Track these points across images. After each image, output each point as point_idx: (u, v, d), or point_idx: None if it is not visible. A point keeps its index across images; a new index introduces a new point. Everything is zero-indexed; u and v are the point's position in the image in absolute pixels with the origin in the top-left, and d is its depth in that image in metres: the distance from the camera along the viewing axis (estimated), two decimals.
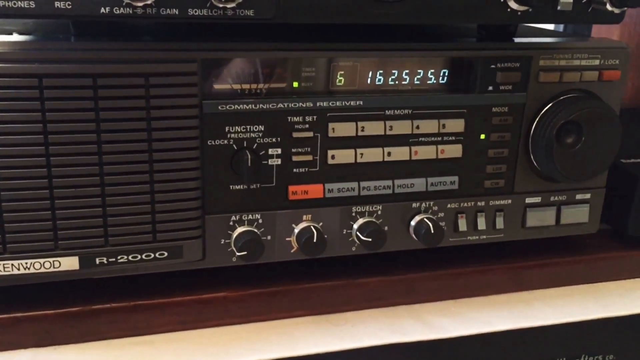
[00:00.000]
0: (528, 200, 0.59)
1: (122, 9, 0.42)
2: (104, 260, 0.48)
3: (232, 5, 0.43)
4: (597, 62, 0.57)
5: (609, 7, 0.50)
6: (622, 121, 0.57)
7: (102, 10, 0.41)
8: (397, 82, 0.54)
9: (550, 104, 0.56)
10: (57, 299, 0.50)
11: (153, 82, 0.46)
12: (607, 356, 0.64)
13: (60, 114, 0.44)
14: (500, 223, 0.59)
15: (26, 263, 0.47)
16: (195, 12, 0.43)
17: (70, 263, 0.48)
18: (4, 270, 0.46)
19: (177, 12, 0.43)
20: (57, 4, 0.41)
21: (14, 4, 0.40)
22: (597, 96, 0.57)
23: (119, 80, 0.45)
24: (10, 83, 0.43)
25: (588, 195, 0.61)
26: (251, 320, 0.54)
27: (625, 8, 0.51)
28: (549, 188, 0.59)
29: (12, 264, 0.46)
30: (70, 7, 0.41)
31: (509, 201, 0.58)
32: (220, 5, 0.43)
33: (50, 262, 0.47)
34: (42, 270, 0.47)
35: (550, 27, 0.82)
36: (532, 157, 0.57)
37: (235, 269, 0.54)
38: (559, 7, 0.50)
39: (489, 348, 0.61)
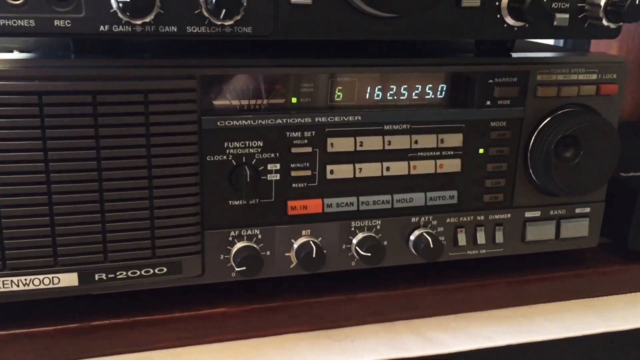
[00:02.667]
0: (527, 214, 0.59)
1: (121, 26, 0.42)
2: (103, 276, 0.48)
3: (230, 22, 0.43)
4: (594, 76, 0.57)
5: (605, 22, 0.51)
6: (621, 134, 0.57)
7: (102, 28, 0.42)
8: (395, 97, 0.54)
9: (548, 119, 0.56)
10: (56, 316, 0.50)
11: (152, 98, 0.46)
12: None
13: (60, 131, 0.44)
14: (499, 237, 0.59)
15: (25, 279, 0.47)
16: (194, 29, 0.43)
17: (69, 279, 0.48)
18: (4, 287, 0.46)
19: (175, 30, 0.43)
20: (56, 22, 0.41)
21: (14, 22, 0.40)
22: (595, 110, 0.57)
23: (118, 97, 0.45)
24: (11, 100, 0.43)
25: (588, 209, 0.61)
26: (250, 335, 0.54)
27: (621, 23, 0.51)
28: (548, 202, 0.59)
29: (12, 280, 0.46)
30: (69, 25, 0.41)
31: (508, 215, 0.58)
32: (219, 23, 0.43)
33: (49, 279, 0.47)
34: (42, 286, 0.47)
35: (550, 41, 0.82)
36: (530, 171, 0.57)
37: (235, 284, 0.54)
38: (555, 23, 0.51)
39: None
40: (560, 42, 0.93)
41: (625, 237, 0.64)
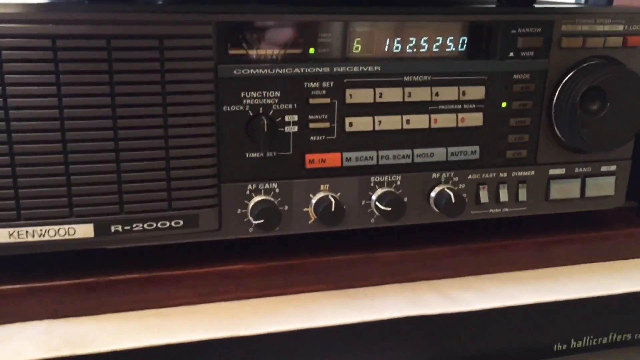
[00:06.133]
0: (552, 171, 0.57)
1: None
2: (119, 228, 0.48)
3: None
4: (620, 27, 0.55)
5: None
6: None
7: None
8: (415, 50, 0.53)
9: (573, 71, 0.55)
10: (73, 270, 0.50)
11: (167, 44, 0.45)
12: (636, 335, 0.62)
13: (74, 76, 0.44)
14: (522, 195, 0.57)
15: (41, 230, 0.46)
16: None
17: (85, 231, 0.47)
18: (19, 237, 0.46)
19: None
20: None
21: None
22: (622, 62, 0.56)
23: (132, 42, 0.44)
24: (25, 44, 0.43)
25: (614, 167, 0.59)
26: (269, 294, 0.53)
27: None
28: (573, 159, 0.58)
29: (27, 231, 0.46)
30: None
31: (532, 172, 0.57)
32: None
33: (65, 230, 0.46)
34: (57, 237, 0.46)
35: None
36: (555, 126, 0.56)
37: (252, 242, 0.53)
38: None
39: (512, 324, 0.59)
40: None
41: None
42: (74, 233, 0.47)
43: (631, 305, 0.61)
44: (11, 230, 0.45)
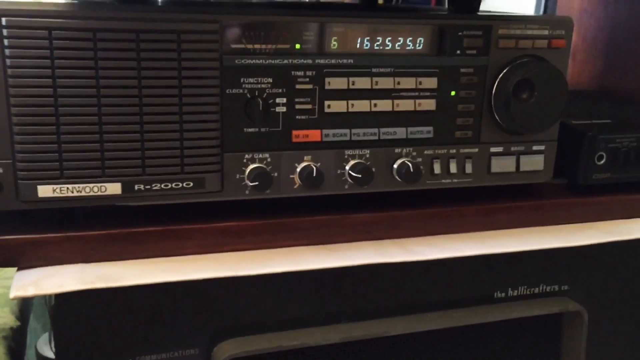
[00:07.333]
0: (492, 149, 0.70)
1: None
2: (142, 187, 0.58)
3: None
4: (546, 32, 0.68)
5: None
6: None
7: None
8: (381, 47, 0.65)
9: (508, 66, 0.67)
10: (102, 223, 0.60)
11: (183, 38, 0.56)
12: (562, 286, 0.75)
13: (109, 62, 0.55)
14: (469, 168, 0.69)
15: (78, 187, 0.57)
16: None
17: (114, 188, 0.58)
18: (60, 192, 0.56)
19: None
20: None
21: None
22: (547, 60, 0.69)
23: (156, 36, 0.56)
24: (71, 35, 0.53)
25: (542, 147, 0.72)
26: (261, 247, 0.64)
27: None
28: (510, 139, 0.70)
29: (67, 187, 0.56)
30: None
31: (476, 150, 0.69)
32: None
33: (97, 187, 0.57)
34: (91, 193, 0.57)
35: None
36: (494, 111, 0.68)
37: (248, 204, 0.64)
38: None
39: (460, 275, 0.71)
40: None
41: (577, 174, 0.75)
42: (105, 190, 0.57)
43: (558, 261, 0.74)
44: (55, 186, 0.56)
